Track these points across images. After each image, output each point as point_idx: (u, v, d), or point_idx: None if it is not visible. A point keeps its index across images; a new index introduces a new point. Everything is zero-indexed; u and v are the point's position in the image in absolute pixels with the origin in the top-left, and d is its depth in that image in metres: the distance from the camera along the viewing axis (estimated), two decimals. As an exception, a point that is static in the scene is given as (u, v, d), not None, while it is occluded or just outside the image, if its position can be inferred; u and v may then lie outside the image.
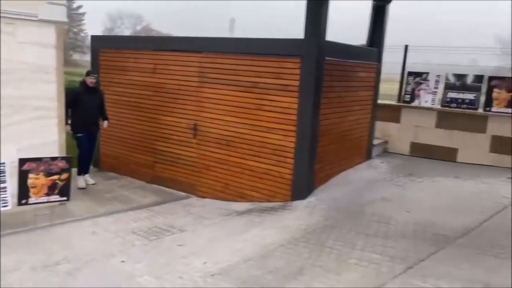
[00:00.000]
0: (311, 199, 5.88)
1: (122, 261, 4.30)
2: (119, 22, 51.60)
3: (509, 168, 7.08)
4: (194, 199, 6.73)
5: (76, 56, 45.69)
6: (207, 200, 6.64)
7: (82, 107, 6.63)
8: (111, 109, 7.73)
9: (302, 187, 5.91)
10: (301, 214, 5.44)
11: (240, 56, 6.20)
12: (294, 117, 5.81)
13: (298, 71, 5.71)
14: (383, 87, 8.08)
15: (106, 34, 47.03)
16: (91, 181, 7.01)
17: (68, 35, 51.63)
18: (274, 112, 5.97)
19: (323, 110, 5.98)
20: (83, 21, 51.59)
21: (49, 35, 5.83)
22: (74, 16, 53.02)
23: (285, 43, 5.89)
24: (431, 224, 4.85)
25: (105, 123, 7.09)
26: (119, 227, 5.36)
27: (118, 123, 7.70)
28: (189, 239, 4.97)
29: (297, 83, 5.74)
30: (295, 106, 5.79)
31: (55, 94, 6.03)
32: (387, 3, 7.26)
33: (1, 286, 3.77)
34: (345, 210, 5.46)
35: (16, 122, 5.68)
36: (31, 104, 5.77)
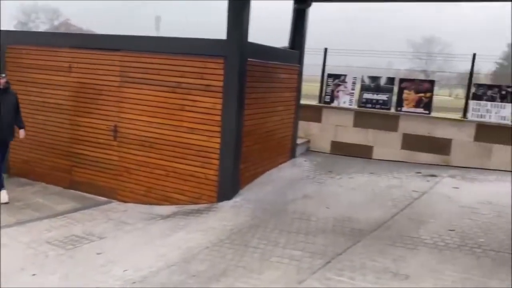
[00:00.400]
0: (237, 200, 5.92)
1: (33, 275, 4.00)
2: (33, 16, 47.87)
3: (417, 163, 7.69)
4: (115, 204, 6.46)
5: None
6: (130, 204, 6.41)
7: None
8: (23, 111, 7.16)
9: (227, 187, 5.92)
10: (227, 215, 5.45)
11: (163, 56, 6.06)
12: (219, 118, 5.81)
13: (221, 72, 5.71)
14: (307, 88, 8.36)
15: (19, 29, 43.44)
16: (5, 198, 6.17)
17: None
18: (198, 112, 5.92)
19: (247, 110, 6.04)
20: (-8, 14, 47.14)
21: None
22: (-19, 8, 48.33)
23: (208, 43, 5.86)
24: (348, 219, 5.11)
25: (21, 133, 6.26)
26: (32, 237, 4.99)
27: (31, 126, 7.13)
28: (109, 247, 4.76)
29: (220, 83, 5.74)
30: (219, 106, 5.78)
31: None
32: (307, 7, 7.52)
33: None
34: (270, 209, 5.57)
35: None
36: None
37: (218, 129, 5.82)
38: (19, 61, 7.13)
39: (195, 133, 5.95)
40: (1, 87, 6.02)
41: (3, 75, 6.16)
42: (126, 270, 4.04)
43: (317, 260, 3.99)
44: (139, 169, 6.40)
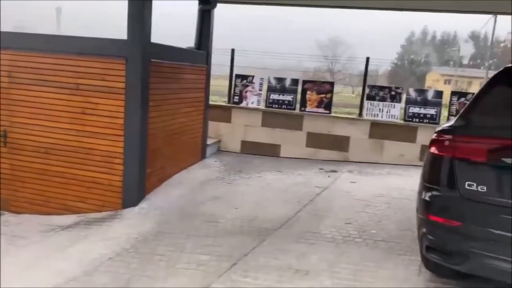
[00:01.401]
0: (143, 205, 5.76)
1: None
2: None
3: (321, 160, 8.16)
4: (7, 216, 5.90)
5: None
6: (25, 216, 5.90)
7: None
8: None
9: (133, 193, 5.73)
10: (132, 222, 5.28)
11: (59, 55, 5.66)
12: (122, 121, 5.58)
13: (123, 73, 5.50)
14: (218, 83, 8.31)
15: None
16: None
17: None
18: (100, 116, 5.63)
19: (152, 113, 5.89)
20: None
21: None
22: None
23: (109, 43, 5.61)
24: (255, 218, 5.26)
25: None
26: None
27: None
28: (1, 264, 4.34)
29: (122, 85, 5.52)
30: (122, 109, 5.56)
31: None
32: (212, 8, 7.53)
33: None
34: (178, 213, 5.51)
35: None
36: None
37: (122, 132, 5.61)
38: None
39: (97, 137, 5.67)
40: None
41: None
42: (18, 291, 3.73)
43: (223, 263, 4.04)
44: (35, 177, 5.93)
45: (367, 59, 8.28)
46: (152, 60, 5.73)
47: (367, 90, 8.21)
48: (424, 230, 3.17)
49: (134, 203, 5.72)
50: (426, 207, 3.18)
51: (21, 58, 5.78)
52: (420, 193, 3.27)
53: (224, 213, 5.44)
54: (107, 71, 5.56)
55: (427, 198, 3.15)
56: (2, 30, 5.91)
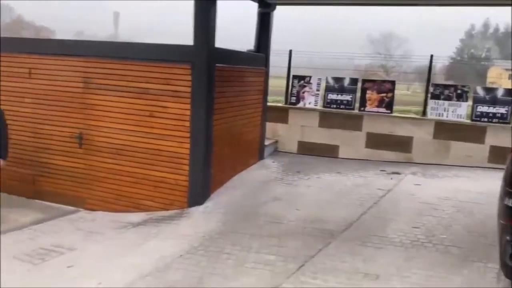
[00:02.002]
0: (207, 205, 5.95)
1: (2, 293, 3.89)
2: (-18, 13, 45.32)
3: (381, 161, 7.99)
4: (83, 213, 6.33)
5: None
6: (99, 213, 6.30)
7: None
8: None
9: (198, 193, 5.94)
10: (198, 221, 5.47)
11: (129, 61, 5.98)
12: (188, 124, 5.80)
13: (189, 78, 5.71)
14: (275, 83, 8.38)
15: (-33, 26, 41.02)
16: None
17: None
18: (168, 118, 5.88)
19: (216, 115, 6.07)
20: None
21: None
22: None
23: (175, 50, 5.85)
24: (318, 220, 5.27)
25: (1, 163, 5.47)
26: (-5, 253, 4.81)
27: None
28: (80, 259, 4.68)
29: (188, 89, 5.74)
30: (188, 112, 5.78)
31: None
32: (271, 11, 7.61)
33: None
34: (241, 213, 5.64)
35: None
36: None
37: (188, 134, 5.82)
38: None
39: (164, 139, 5.92)
40: None
41: None
42: (100, 283, 4.00)
43: (290, 264, 4.10)
44: (107, 177, 6.30)
45: (431, 56, 7.99)
46: (216, 64, 5.90)
47: (431, 89, 7.93)
48: (508, 237, 3.04)
49: (199, 202, 5.93)
50: (510, 213, 3.04)
51: (93, 65, 6.17)
52: (502, 198, 3.13)
53: (286, 214, 5.50)
54: (174, 76, 5.80)
55: (510, 204, 3.02)
56: (66, 38, 6.33)
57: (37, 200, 6.68)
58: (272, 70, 8.09)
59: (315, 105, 8.61)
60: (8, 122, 6.37)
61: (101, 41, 6.33)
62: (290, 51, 8.80)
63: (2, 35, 6.57)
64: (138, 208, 6.17)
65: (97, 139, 6.28)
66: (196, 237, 4.93)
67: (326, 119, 8.45)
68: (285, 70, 8.87)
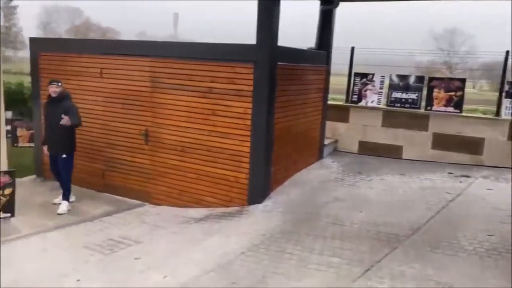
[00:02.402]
0: (267, 203, 5.95)
1: (78, 280, 4.12)
2: (55, 16, 48.79)
3: (449, 163, 7.57)
4: (148, 207, 6.58)
5: (9, 52, 42.80)
6: (163, 207, 6.52)
7: (46, 120, 6.05)
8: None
9: (258, 191, 5.96)
10: (258, 219, 5.49)
11: (194, 61, 6.11)
12: (249, 122, 5.84)
13: (251, 77, 5.74)
14: (333, 80, 8.22)
15: (41, 29, 44.24)
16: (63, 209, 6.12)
17: (-1, 30, 48.22)
18: (230, 117, 5.96)
19: (277, 114, 6.06)
20: (15, 15, 48.30)
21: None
22: (5, 10, 49.52)
23: (238, 49, 5.89)
24: (383, 223, 5.08)
25: (64, 118, 5.74)
26: (71, 242, 5.14)
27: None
28: (146, 251, 4.86)
29: (250, 88, 5.76)
30: (250, 111, 5.81)
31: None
32: (334, 7, 7.46)
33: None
34: (301, 212, 5.58)
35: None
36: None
37: (249, 133, 5.86)
38: (51, 67, 7.30)
39: (227, 137, 6.00)
40: (54, 95, 5.97)
41: (58, 83, 6.00)
42: (165, 277, 4.12)
43: (355, 268, 3.99)
44: (171, 173, 6.50)
45: (507, 53, 7.42)
46: (278, 63, 5.88)
47: (506, 87, 7.38)
48: None
49: (259, 201, 5.95)
50: None
51: (159, 65, 6.38)
52: None
53: (349, 216, 5.37)
54: (236, 75, 5.86)
55: None
56: (129, 38, 6.57)
57: (106, 194, 7.03)
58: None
59: (378, 104, 8.33)
60: (82, 119, 6.77)
61: (168, 41, 6.54)
62: (352, 48, 8.57)
63: (73, 37, 6.95)
64: (199, 203, 6.31)
65: (162, 136, 6.49)
66: (257, 235, 4.95)
67: (390, 118, 8.15)
68: (342, 67, 8.65)
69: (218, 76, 5.96)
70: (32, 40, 7.61)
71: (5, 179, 5.07)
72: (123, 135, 6.83)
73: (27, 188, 6.92)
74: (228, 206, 6.10)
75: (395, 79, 8.21)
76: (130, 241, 5.14)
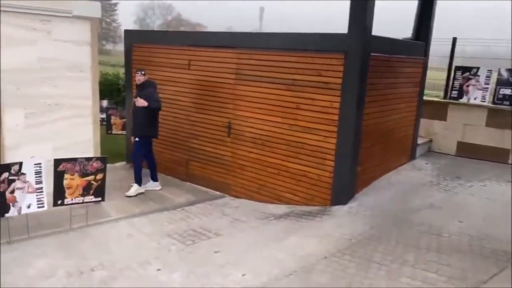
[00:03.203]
0: (352, 205, 5.56)
1: (158, 270, 4.15)
2: (150, 13, 51.96)
3: None
4: (228, 199, 6.54)
5: (109, 46, 46.52)
6: (242, 200, 6.44)
7: (133, 107, 6.36)
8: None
9: (342, 191, 5.60)
10: (343, 221, 5.14)
11: (279, 52, 5.89)
12: (336, 117, 5.48)
13: (341, 68, 5.36)
14: (431, 74, 7.53)
15: (138, 24, 47.38)
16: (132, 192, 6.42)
17: (101, 25, 52.68)
18: (314, 111, 5.65)
19: (367, 109, 5.62)
20: (116, 12, 52.36)
21: (84, 32, 5.72)
22: (107, 7, 53.89)
23: (327, 38, 5.53)
24: (487, 237, 4.46)
25: (140, 101, 6.06)
26: (154, 229, 5.24)
27: (152, 120, 7.58)
28: (226, 245, 4.78)
29: (339, 80, 5.39)
30: (337, 105, 5.45)
31: (90, 92, 5.95)
32: (436, -7, 6.76)
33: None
34: (391, 218, 5.12)
35: (51, 120, 5.62)
36: (66, 102, 5.70)
37: (335, 128, 5.50)
38: (143, 58, 7.56)
39: (310, 133, 5.71)
40: (138, 83, 6.28)
41: (142, 71, 6.29)
42: (244, 275, 3.98)
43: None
44: (252, 166, 6.38)
45: None
46: (371, 54, 5.43)
47: None
48: None
49: (343, 202, 5.58)
50: None
51: (245, 56, 6.25)
52: None
53: (446, 226, 4.79)
54: (324, 67, 5.52)
55: None
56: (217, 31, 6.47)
57: (188, 183, 7.14)
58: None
59: (483, 101, 7.43)
60: (166, 109, 6.97)
61: (252, 32, 6.38)
62: (454, 39, 7.74)
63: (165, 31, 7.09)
64: (279, 199, 6.12)
65: (244, 129, 6.39)
66: (342, 239, 4.61)
67: (496, 117, 7.22)
68: (437, 60, 7.84)
69: (303, 68, 5.68)
70: (127, 32, 7.95)
71: (98, 164, 5.30)
72: (206, 126, 6.85)
73: (117, 174, 7.26)
74: (309, 205, 5.82)
75: (505, 74, 7.24)
76: (210, 233, 5.11)
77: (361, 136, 5.63)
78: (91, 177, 5.30)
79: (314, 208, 5.71)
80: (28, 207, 4.84)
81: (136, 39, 7.72)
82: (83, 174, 5.23)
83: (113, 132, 8.74)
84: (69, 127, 5.78)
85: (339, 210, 5.47)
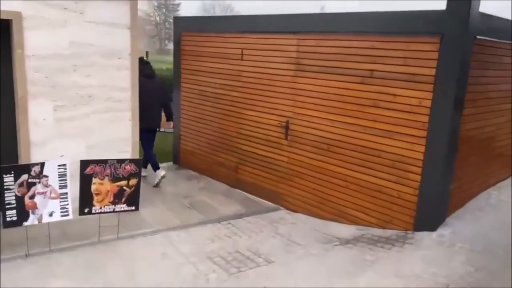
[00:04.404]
0: (443, 232, 4.31)
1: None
2: (211, 12, 52.36)
3: None
4: (283, 213, 5.53)
5: (170, 46, 47.40)
6: (300, 216, 5.40)
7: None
8: (193, 101, 6.83)
9: (430, 213, 4.35)
10: (432, 256, 3.92)
11: (351, 36, 4.76)
12: (425, 119, 4.24)
13: (435, 55, 4.12)
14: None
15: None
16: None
17: (165, 25, 53.90)
18: (397, 111, 4.44)
19: (467, 109, 4.34)
20: (178, 11, 53.29)
21: (123, 13, 4.95)
22: (170, 7, 55.01)
23: (416, 17, 4.30)
24: None
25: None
26: (193, 247, 4.36)
27: (199, 117, 6.75)
28: (278, 278, 3.80)
29: (432, 71, 4.16)
30: (428, 103, 4.21)
31: (129, 83, 5.19)
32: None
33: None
34: (502, 255, 3.83)
35: (83, 115, 4.92)
36: (100, 94, 4.98)
37: (424, 133, 4.27)
38: (191, 49, 6.76)
39: (390, 138, 4.52)
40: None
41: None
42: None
43: None
44: (312, 175, 5.30)
45: None
46: (476, 37, 4.15)
47: None
48: None
49: (431, 227, 4.34)
50: None
51: (308, 43, 5.17)
52: None
53: None
54: (411, 54, 4.30)
55: None
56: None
57: (237, 190, 6.22)
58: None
59: None
60: (215, 105, 6.42)
61: (318, 13, 5.29)
62: None
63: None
64: (345, 218, 4.99)
65: (305, 130, 5.32)
66: (434, 283, 3.42)
67: None
68: None
69: (384, 56, 4.50)
70: (176, 19, 7.19)
71: (131, 167, 4.50)
72: (259, 126, 5.85)
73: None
74: (384, 228, 4.64)
75: None
76: (259, 258, 4.16)
77: (457, 144, 4.35)
78: (123, 182, 4.51)
79: (391, 232, 4.54)
80: (50, 215, 4.14)
81: (186, 27, 6.90)
82: (114, 179, 4.45)
83: (161, 130, 8.04)
84: (104, 123, 5.06)
85: (426, 238, 4.25)
